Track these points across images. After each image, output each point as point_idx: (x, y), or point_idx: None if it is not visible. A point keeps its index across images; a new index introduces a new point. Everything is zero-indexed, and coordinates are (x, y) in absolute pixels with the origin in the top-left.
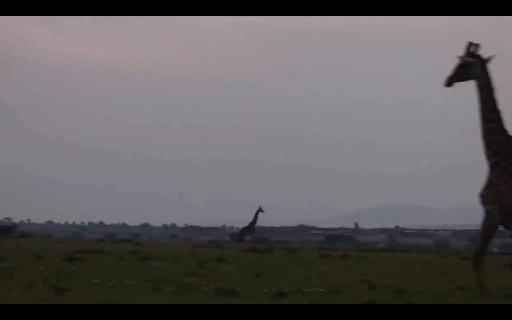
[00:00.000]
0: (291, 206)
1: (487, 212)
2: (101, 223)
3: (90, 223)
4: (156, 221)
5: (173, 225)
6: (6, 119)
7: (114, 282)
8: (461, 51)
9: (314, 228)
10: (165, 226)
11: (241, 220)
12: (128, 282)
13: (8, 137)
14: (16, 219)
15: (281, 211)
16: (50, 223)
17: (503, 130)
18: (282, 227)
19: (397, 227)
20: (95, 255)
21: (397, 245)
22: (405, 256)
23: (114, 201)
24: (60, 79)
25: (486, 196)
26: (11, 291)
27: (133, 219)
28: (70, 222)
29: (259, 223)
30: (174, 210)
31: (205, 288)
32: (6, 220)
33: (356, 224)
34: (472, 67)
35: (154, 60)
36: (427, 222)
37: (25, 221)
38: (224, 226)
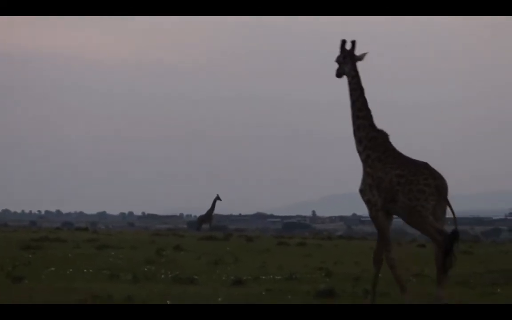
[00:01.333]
0: (248, 195)
1: (368, 202)
2: (58, 211)
3: (46, 212)
4: (114, 209)
5: (131, 213)
6: None
7: (71, 270)
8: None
9: (271, 216)
10: (122, 214)
11: (198, 208)
12: (85, 270)
13: None
14: None
15: (238, 200)
16: (6, 211)
17: (372, 126)
18: (240, 215)
19: (354, 215)
20: (52, 243)
21: (354, 233)
22: (361, 244)
23: (71, 189)
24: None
25: (364, 188)
26: None
27: (90, 208)
28: (27, 211)
29: (217, 211)
30: (131, 199)
31: (162, 276)
32: None
33: (313, 212)
34: (343, 65)
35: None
36: None
37: None
38: (181, 215)
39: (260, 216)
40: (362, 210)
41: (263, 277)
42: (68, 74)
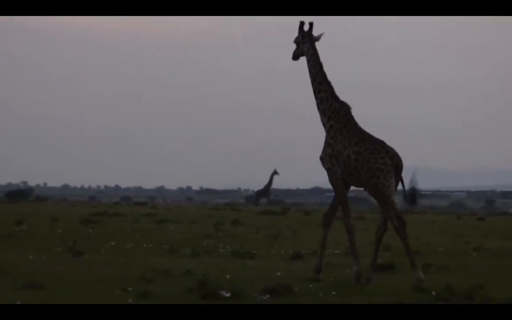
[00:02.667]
0: (306, 168)
1: (329, 170)
2: (117, 186)
3: (106, 187)
4: (172, 184)
5: (189, 188)
6: (22, 82)
7: (130, 245)
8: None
9: (329, 190)
10: (180, 189)
11: (256, 183)
12: (144, 245)
13: (24, 101)
14: (32, 183)
15: (296, 173)
16: (66, 186)
17: (334, 97)
18: (297, 190)
19: (412, 189)
20: (111, 218)
21: (413, 206)
22: (421, 217)
23: (130, 164)
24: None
25: (324, 156)
26: (28, 254)
27: (149, 182)
28: (86, 186)
29: (274, 185)
30: (189, 173)
31: (221, 250)
32: (22, 184)
33: None
34: (302, 44)
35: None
36: (443, 184)
37: (41, 185)
38: (239, 189)
39: (317, 191)
40: (421, 183)
41: None
42: (145, 50)
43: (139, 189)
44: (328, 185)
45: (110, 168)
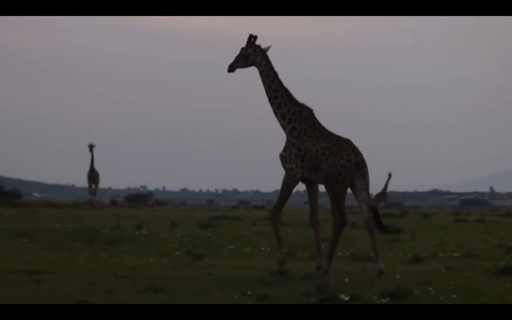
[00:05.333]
0: (424, 171)
1: (290, 170)
2: (235, 190)
3: (223, 190)
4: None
5: (306, 192)
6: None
7: (249, 248)
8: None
9: (448, 193)
10: (298, 192)
11: (372, 186)
12: (262, 248)
13: (145, 108)
14: (151, 187)
15: (414, 176)
16: (184, 190)
17: (293, 101)
18: (415, 192)
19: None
20: (230, 221)
21: None
22: None
23: (247, 168)
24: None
25: (288, 156)
26: (149, 258)
27: (266, 186)
28: (204, 190)
29: (392, 188)
30: None
31: (339, 253)
32: (142, 189)
33: (491, 188)
34: (252, 56)
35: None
36: None
37: (160, 189)
38: None
39: (436, 193)
40: None
41: (441, 255)
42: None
43: (257, 192)
44: (447, 188)
45: (228, 172)
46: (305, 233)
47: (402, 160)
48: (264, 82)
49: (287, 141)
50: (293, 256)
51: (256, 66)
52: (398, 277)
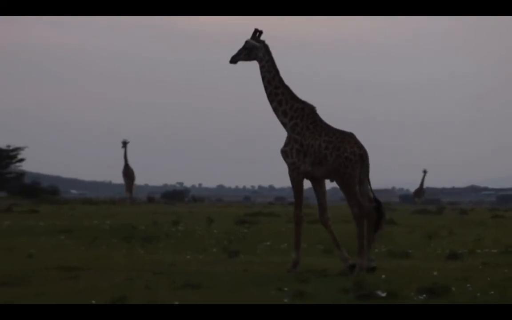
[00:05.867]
0: (460, 167)
1: (292, 164)
2: (271, 186)
3: (260, 187)
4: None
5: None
6: (187, 87)
7: (285, 244)
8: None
9: (485, 188)
10: (334, 188)
11: (409, 182)
12: (301, 245)
13: (180, 107)
14: (188, 184)
15: (451, 172)
16: (221, 187)
17: (294, 98)
18: (453, 188)
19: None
20: (266, 218)
21: None
22: None
23: (283, 165)
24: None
25: (289, 151)
26: (186, 254)
27: None
28: (241, 186)
29: (430, 184)
30: None
31: (376, 250)
32: (178, 185)
33: None
34: (255, 50)
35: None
36: None
37: (197, 186)
38: (393, 188)
39: (473, 189)
40: None
41: (479, 251)
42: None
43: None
44: (485, 184)
45: (264, 168)
46: (342, 230)
47: (439, 157)
48: (264, 78)
49: (288, 137)
50: (329, 253)
51: (257, 60)
52: (435, 273)
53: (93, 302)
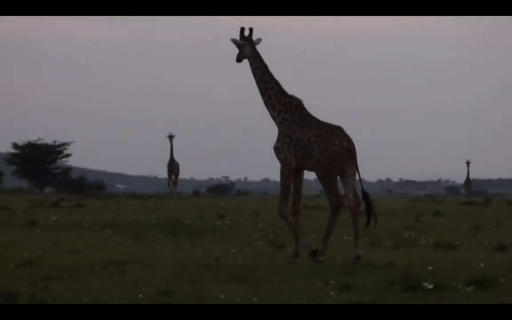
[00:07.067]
0: (507, 158)
1: (285, 160)
2: (316, 179)
3: (305, 180)
4: (371, 176)
5: (388, 180)
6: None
7: (331, 237)
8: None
9: None
10: (380, 181)
11: (455, 174)
12: (345, 237)
13: (250, 105)
14: (233, 178)
15: (497, 164)
16: (266, 180)
17: (283, 93)
18: (500, 180)
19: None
20: (311, 211)
21: None
22: None
23: None
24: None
25: (281, 147)
26: (231, 248)
27: None
28: None
29: (476, 176)
30: (389, 165)
31: (423, 242)
32: (224, 179)
33: None
34: (243, 48)
35: None
36: None
37: (242, 179)
38: (439, 180)
39: None
40: None
41: None
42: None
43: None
44: None
45: None
46: (388, 222)
47: (484, 148)
48: (255, 74)
49: (279, 132)
50: (376, 246)
51: (246, 58)
52: (482, 265)
53: (140, 296)
